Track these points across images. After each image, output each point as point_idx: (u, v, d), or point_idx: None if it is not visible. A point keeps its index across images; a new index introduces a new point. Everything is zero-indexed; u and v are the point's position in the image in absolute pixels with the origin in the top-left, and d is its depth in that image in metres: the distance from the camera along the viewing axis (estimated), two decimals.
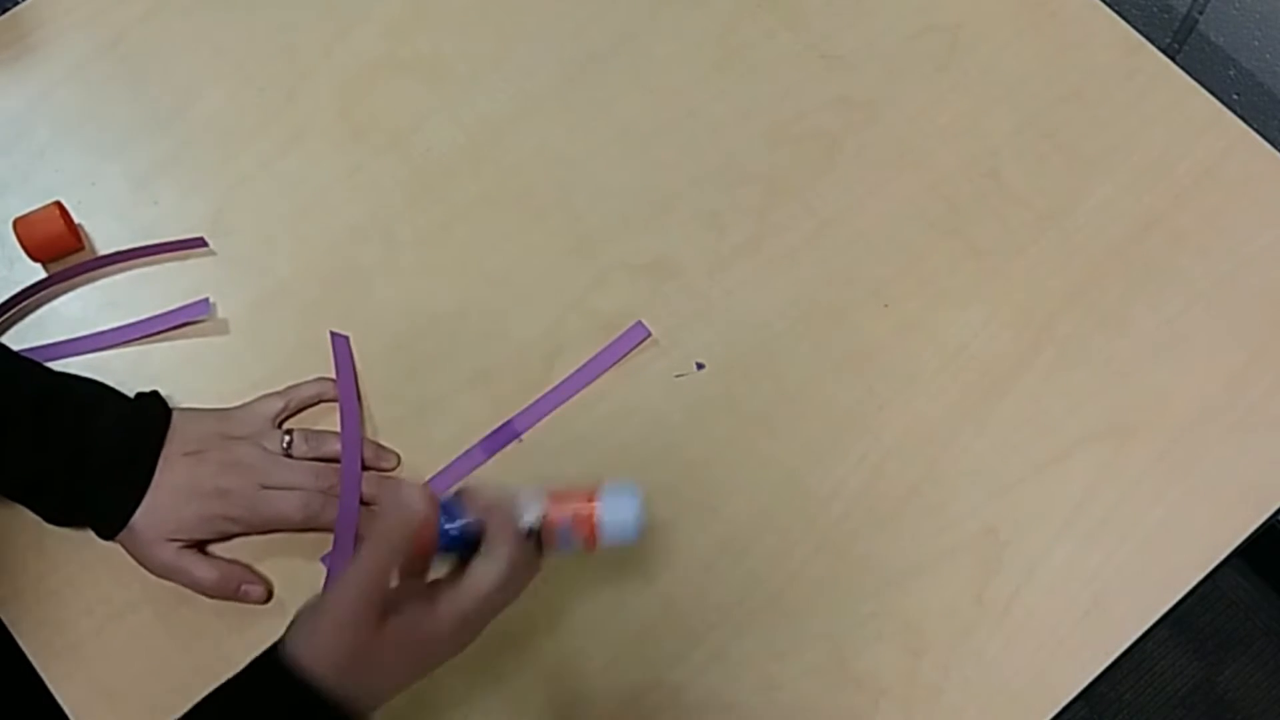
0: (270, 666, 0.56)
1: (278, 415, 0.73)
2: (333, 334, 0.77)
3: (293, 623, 0.58)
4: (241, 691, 0.57)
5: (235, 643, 0.69)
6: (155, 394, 0.71)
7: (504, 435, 0.75)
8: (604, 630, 0.70)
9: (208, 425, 0.71)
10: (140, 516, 0.67)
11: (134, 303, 0.79)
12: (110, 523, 0.68)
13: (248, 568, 0.70)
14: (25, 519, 0.70)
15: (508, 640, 0.70)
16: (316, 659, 0.56)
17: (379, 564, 0.58)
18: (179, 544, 0.68)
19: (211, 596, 0.69)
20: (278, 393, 0.74)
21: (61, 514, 0.69)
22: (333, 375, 0.76)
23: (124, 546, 0.69)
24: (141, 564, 0.69)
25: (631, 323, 0.77)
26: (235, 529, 0.70)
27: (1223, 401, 0.76)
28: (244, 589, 0.69)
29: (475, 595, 0.59)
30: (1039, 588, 0.71)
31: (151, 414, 0.70)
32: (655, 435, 0.75)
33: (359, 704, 0.56)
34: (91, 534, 0.69)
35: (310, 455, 0.71)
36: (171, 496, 0.68)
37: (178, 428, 0.70)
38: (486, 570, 0.59)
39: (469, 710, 0.68)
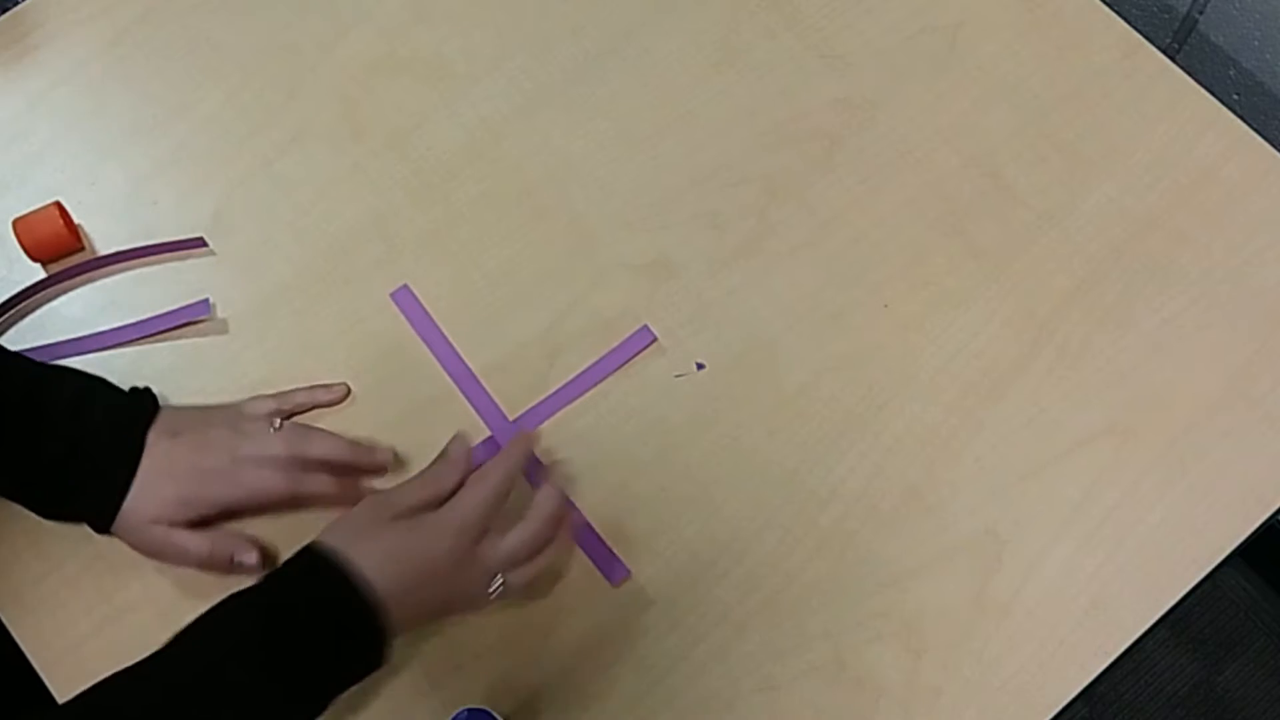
0: (304, 551, 0.62)
1: (267, 415, 0.73)
2: (395, 294, 0.78)
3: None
4: (281, 571, 0.62)
5: None
6: (148, 390, 0.72)
7: (504, 435, 0.75)
8: (604, 630, 0.70)
9: (190, 414, 0.71)
10: (127, 503, 0.67)
11: (134, 303, 0.79)
12: (101, 513, 0.68)
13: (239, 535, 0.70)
14: (25, 519, 0.70)
15: (507, 640, 0.70)
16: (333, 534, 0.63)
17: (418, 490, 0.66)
18: (166, 525, 0.68)
19: (208, 570, 0.69)
20: (270, 395, 0.74)
21: (55, 507, 0.70)
22: (328, 380, 0.76)
23: (120, 537, 0.69)
24: (136, 550, 0.69)
25: (634, 324, 0.77)
26: (217, 509, 0.69)
27: (1223, 401, 0.76)
28: (238, 558, 0.69)
29: (467, 503, 0.65)
30: (1039, 588, 0.71)
31: (140, 405, 0.70)
32: (655, 435, 0.75)
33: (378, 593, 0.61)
34: (90, 533, 0.69)
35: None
36: (151, 479, 0.68)
37: (162, 418, 0.70)
38: (478, 487, 0.66)
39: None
